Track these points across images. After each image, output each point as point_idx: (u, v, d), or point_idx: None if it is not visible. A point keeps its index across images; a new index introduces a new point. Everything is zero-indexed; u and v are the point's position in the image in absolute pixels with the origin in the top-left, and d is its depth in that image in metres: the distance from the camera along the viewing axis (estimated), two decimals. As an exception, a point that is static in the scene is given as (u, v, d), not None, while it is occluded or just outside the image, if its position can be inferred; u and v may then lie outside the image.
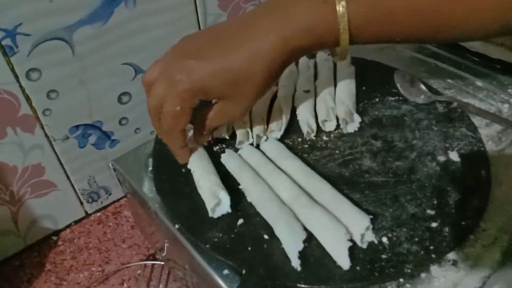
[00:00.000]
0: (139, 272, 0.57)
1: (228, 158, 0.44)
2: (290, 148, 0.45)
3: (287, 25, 0.36)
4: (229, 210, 0.39)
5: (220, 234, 0.38)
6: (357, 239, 0.35)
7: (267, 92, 0.40)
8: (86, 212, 0.63)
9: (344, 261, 0.34)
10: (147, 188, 0.45)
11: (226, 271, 0.36)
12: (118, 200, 0.65)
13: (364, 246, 0.36)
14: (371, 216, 0.36)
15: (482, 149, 0.44)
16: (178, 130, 0.39)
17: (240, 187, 0.41)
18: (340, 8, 0.34)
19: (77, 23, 0.49)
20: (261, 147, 0.45)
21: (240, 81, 0.37)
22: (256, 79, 0.37)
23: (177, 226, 0.40)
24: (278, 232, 0.36)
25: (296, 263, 0.34)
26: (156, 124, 0.40)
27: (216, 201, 0.38)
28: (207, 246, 0.37)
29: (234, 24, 0.39)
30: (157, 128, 0.41)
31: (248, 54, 0.36)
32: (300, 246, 0.35)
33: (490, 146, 0.46)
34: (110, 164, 0.49)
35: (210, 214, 0.38)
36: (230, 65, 0.37)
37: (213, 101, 0.40)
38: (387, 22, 0.35)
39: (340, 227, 0.35)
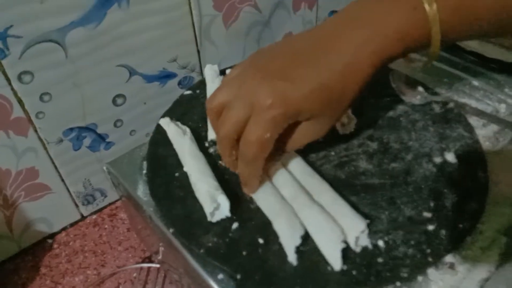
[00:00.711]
0: (135, 275, 0.56)
1: None
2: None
3: (378, 37, 0.34)
4: (229, 214, 0.38)
5: (215, 239, 0.37)
6: (351, 242, 0.35)
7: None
8: (81, 215, 0.63)
9: (336, 262, 0.34)
10: (142, 191, 0.44)
11: (221, 276, 0.36)
12: (114, 202, 0.65)
13: (358, 249, 0.35)
14: (368, 221, 0.36)
15: (479, 150, 0.44)
16: (262, 158, 0.36)
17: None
18: (431, 11, 0.33)
19: (70, 25, 0.49)
20: None
21: (334, 99, 0.35)
22: (350, 94, 0.35)
23: (171, 230, 0.39)
24: (277, 226, 0.36)
25: (292, 258, 0.34)
26: (228, 153, 0.37)
27: (215, 205, 0.37)
28: (202, 251, 0.36)
29: (314, 38, 0.36)
30: (228, 157, 0.38)
31: (340, 70, 0.34)
32: (298, 241, 0.35)
33: (487, 147, 0.45)
34: (105, 167, 0.48)
35: (209, 219, 0.38)
36: (325, 84, 0.34)
37: None
38: (472, 21, 0.34)
39: (336, 228, 0.35)
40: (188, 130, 0.46)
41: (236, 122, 0.35)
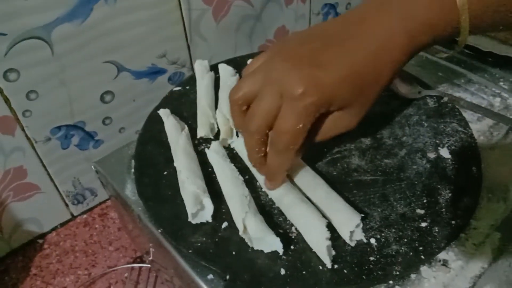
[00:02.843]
0: (126, 275, 0.55)
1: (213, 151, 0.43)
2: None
3: (409, 22, 0.33)
4: (210, 220, 0.37)
5: (204, 238, 0.36)
6: (346, 237, 0.35)
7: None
8: (72, 214, 0.62)
9: (325, 259, 0.33)
10: (130, 190, 0.43)
11: (210, 276, 0.35)
12: (104, 201, 0.64)
13: (353, 244, 0.35)
14: (362, 215, 0.35)
15: (473, 145, 0.43)
16: (295, 150, 0.34)
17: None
18: (461, 0, 0.32)
19: (55, 21, 0.48)
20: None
21: (366, 85, 0.34)
22: (382, 79, 0.34)
23: (160, 231, 0.38)
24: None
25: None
26: (258, 147, 0.35)
27: (198, 207, 0.37)
28: (190, 251, 0.36)
29: (344, 23, 0.35)
30: (257, 152, 0.36)
31: (372, 54, 0.33)
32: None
33: (481, 141, 0.45)
34: (93, 166, 0.47)
35: (190, 219, 0.37)
36: (357, 69, 0.33)
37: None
38: (502, 10, 0.32)
39: (322, 225, 0.34)
40: (186, 127, 0.45)
41: (267, 114, 0.33)
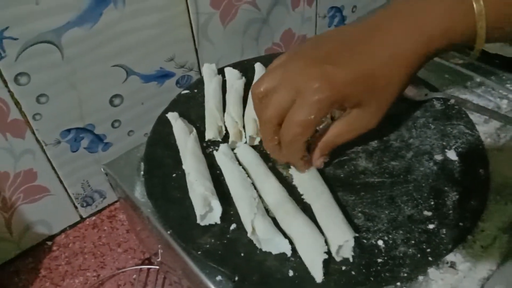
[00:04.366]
0: (134, 276, 0.56)
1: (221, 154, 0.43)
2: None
3: (425, 28, 0.34)
4: (218, 222, 0.38)
5: (212, 240, 0.37)
6: (333, 250, 0.34)
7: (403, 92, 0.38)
8: (80, 217, 0.62)
9: (317, 273, 0.33)
10: (139, 193, 0.44)
11: (219, 278, 0.35)
12: (113, 203, 0.64)
13: (338, 259, 0.34)
14: (356, 234, 0.35)
15: (480, 147, 0.43)
16: (302, 141, 0.36)
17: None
18: (478, 6, 0.32)
19: (66, 26, 0.48)
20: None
21: (380, 87, 0.35)
22: (396, 83, 0.36)
23: (169, 232, 0.39)
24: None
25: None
26: (270, 137, 0.38)
27: (207, 209, 0.37)
28: (199, 253, 0.36)
29: (363, 27, 0.37)
30: (270, 141, 0.38)
31: (387, 57, 0.35)
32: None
33: (489, 143, 0.45)
34: (102, 169, 0.48)
35: (198, 221, 0.37)
36: (371, 70, 0.35)
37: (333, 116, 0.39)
38: None
39: (319, 238, 0.34)
40: (194, 130, 0.46)
41: (280, 106, 0.35)
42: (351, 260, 0.34)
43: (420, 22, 0.35)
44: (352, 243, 0.34)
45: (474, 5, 0.33)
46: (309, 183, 0.40)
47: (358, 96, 0.35)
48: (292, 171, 0.41)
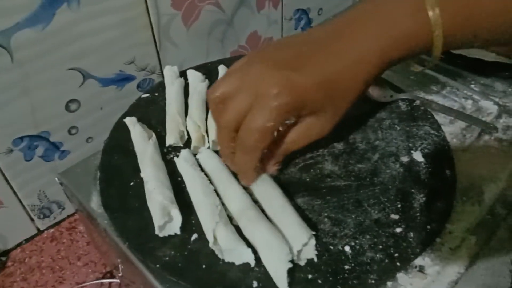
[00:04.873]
0: (95, 291, 0.53)
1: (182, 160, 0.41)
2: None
3: (382, 38, 0.34)
4: (178, 232, 0.36)
5: (172, 252, 0.35)
6: (295, 255, 0.33)
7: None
8: (38, 229, 0.59)
9: (282, 283, 0.31)
10: (96, 203, 0.41)
11: (180, 291, 0.33)
12: (72, 214, 0.61)
13: (302, 263, 0.33)
14: (313, 233, 0.34)
15: (447, 147, 0.43)
16: (261, 149, 0.35)
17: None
18: (434, 15, 0.32)
19: (15, 27, 0.45)
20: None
21: (340, 93, 0.35)
22: (355, 89, 0.35)
23: (126, 244, 0.37)
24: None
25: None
26: (226, 144, 0.37)
27: (166, 218, 0.35)
28: (158, 266, 0.34)
29: (326, 32, 0.36)
30: (226, 147, 0.37)
31: (350, 64, 0.34)
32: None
33: (454, 144, 0.45)
34: (56, 178, 0.45)
35: (157, 232, 0.35)
36: (333, 74, 0.34)
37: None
38: (477, 26, 0.33)
39: (283, 246, 0.32)
40: (154, 135, 0.44)
41: (238, 112, 0.34)
42: (315, 260, 0.33)
43: (378, 32, 0.34)
44: (313, 241, 0.33)
45: (430, 14, 0.32)
46: (261, 188, 0.38)
47: (317, 101, 0.35)
48: None
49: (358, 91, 0.36)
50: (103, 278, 0.54)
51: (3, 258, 0.57)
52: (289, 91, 0.33)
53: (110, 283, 0.53)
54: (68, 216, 0.61)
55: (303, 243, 0.33)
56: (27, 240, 0.58)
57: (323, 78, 0.34)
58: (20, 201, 0.55)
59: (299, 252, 0.33)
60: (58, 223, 0.60)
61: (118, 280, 0.53)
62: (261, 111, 0.33)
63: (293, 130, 0.37)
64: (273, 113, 0.33)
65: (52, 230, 0.60)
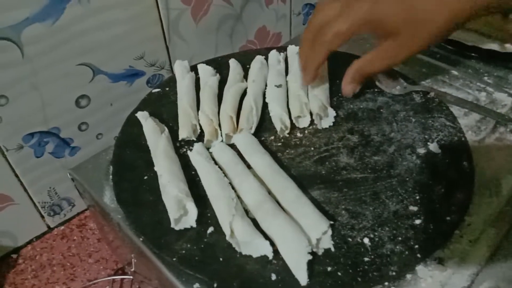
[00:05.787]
0: (107, 288, 0.53)
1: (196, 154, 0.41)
2: (263, 147, 0.42)
3: None
4: (194, 225, 0.35)
5: (189, 245, 0.34)
6: (314, 245, 0.33)
7: (439, 42, 0.41)
8: (48, 226, 0.59)
9: (302, 276, 0.31)
10: (109, 198, 0.41)
11: (197, 285, 0.33)
12: (82, 211, 0.61)
13: (320, 253, 0.33)
14: (331, 222, 0.34)
15: (463, 139, 0.42)
16: (329, 49, 0.40)
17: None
18: None
19: (25, 21, 0.45)
20: (233, 139, 0.43)
21: (420, 20, 0.37)
22: (438, 21, 0.37)
23: (141, 239, 0.36)
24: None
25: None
26: (308, 42, 0.42)
27: (181, 212, 0.34)
28: (174, 259, 0.33)
29: None
30: (305, 46, 0.43)
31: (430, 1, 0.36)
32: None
33: (469, 136, 0.44)
34: (68, 174, 0.45)
35: (173, 225, 0.35)
36: (414, 3, 0.36)
37: None
38: None
39: (302, 238, 0.32)
40: (166, 129, 0.43)
41: (328, 15, 0.40)
42: (332, 249, 0.33)
43: None
44: (330, 232, 0.33)
45: None
46: (275, 180, 0.38)
47: (395, 24, 0.37)
48: (259, 171, 0.39)
49: (443, 23, 0.36)
50: (114, 275, 0.54)
51: (14, 256, 0.56)
52: (368, 6, 0.37)
53: (122, 279, 0.53)
54: (78, 213, 0.61)
55: (323, 231, 0.32)
56: (37, 238, 0.58)
57: (409, 4, 0.36)
58: (31, 198, 0.55)
59: (318, 240, 0.32)
60: (68, 220, 0.60)
61: (130, 277, 0.52)
62: (342, 18, 0.38)
63: (370, 52, 0.41)
64: (350, 20, 0.38)
65: (62, 227, 0.60)
